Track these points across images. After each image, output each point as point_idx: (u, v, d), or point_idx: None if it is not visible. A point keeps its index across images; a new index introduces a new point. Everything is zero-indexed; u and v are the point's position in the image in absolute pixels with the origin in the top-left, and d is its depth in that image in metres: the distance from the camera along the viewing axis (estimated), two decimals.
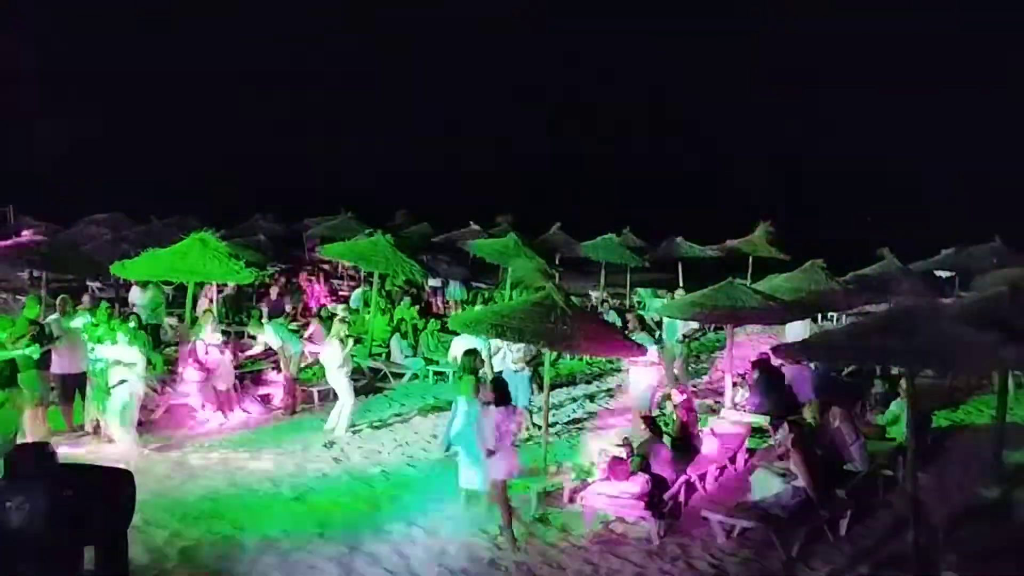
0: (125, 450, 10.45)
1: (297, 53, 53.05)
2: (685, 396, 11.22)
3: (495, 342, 11.78)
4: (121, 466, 5.73)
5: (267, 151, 47.23)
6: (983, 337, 7.90)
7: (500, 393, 8.55)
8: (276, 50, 52.54)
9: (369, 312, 16.92)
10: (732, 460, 10.72)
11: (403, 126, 50.10)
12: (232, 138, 46.25)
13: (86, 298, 14.41)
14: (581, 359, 16.61)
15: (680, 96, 51.10)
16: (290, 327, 16.54)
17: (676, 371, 14.42)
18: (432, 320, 17.47)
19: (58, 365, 11.04)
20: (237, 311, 18.34)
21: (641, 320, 12.74)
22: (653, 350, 12.09)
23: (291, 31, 52.78)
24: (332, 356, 11.97)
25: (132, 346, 10.67)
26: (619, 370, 16.17)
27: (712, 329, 19.97)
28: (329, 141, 49.27)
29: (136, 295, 16.16)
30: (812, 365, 12.52)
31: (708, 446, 10.48)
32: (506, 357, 12.17)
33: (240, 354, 14.24)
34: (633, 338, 11.32)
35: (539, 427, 11.27)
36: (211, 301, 16.19)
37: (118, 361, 10.59)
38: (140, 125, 45.64)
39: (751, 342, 18.93)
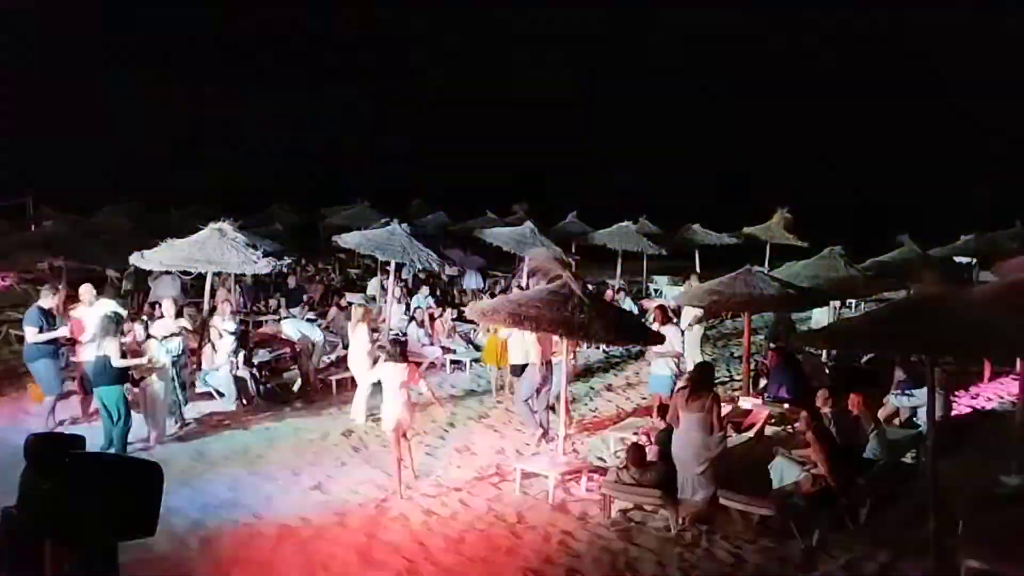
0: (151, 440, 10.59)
1: (309, 40, 53.03)
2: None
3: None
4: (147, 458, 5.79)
5: (286, 140, 47.32)
6: (1005, 323, 7.82)
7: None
8: (287, 38, 52.56)
9: (385, 301, 16.95)
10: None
11: (416, 115, 50.01)
12: (246, 127, 46.35)
13: (107, 288, 14.52)
14: (598, 347, 16.59)
15: (691, 83, 50.71)
16: (308, 316, 16.64)
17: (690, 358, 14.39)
18: (449, 309, 17.50)
19: (88, 354, 11.06)
20: (255, 300, 18.45)
21: (664, 311, 12.70)
22: (676, 341, 12.04)
23: (300, 17, 52.75)
24: (357, 342, 12.06)
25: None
26: (636, 358, 16.18)
27: (730, 317, 19.90)
28: (343, 129, 49.31)
29: (164, 286, 16.22)
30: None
31: None
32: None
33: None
34: (660, 331, 11.25)
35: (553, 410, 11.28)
36: (229, 291, 16.27)
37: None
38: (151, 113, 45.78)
39: None
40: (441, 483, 9.76)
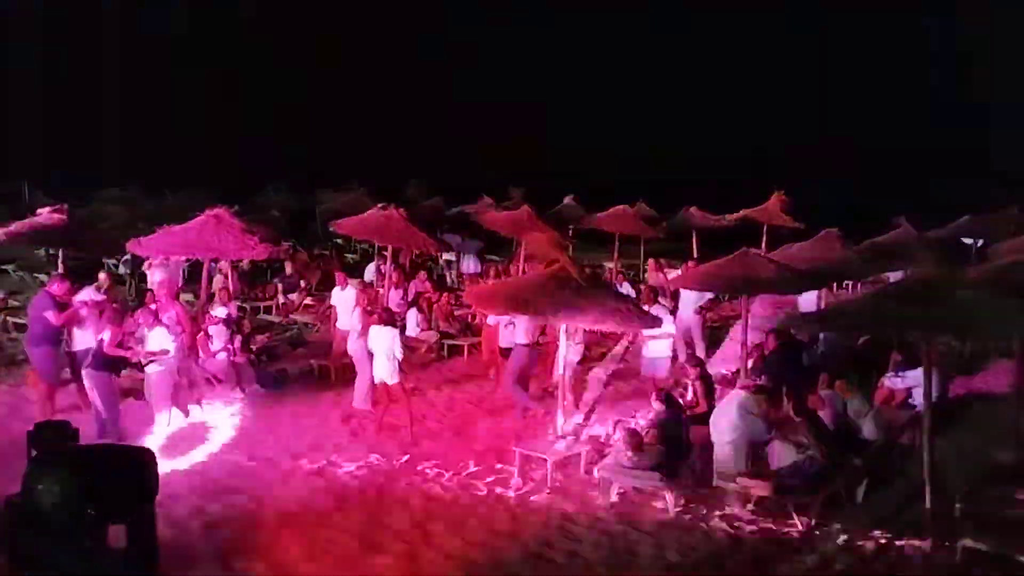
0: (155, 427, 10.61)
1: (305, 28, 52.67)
2: (697, 369, 11.19)
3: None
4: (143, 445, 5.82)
5: (279, 124, 47.07)
6: (1001, 304, 7.85)
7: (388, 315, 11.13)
8: (283, 24, 52.20)
9: (383, 286, 16.95)
10: None
11: (417, 98, 49.86)
12: (244, 111, 46.20)
13: (102, 275, 14.47)
14: (596, 331, 16.56)
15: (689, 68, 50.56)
16: (305, 303, 16.67)
17: (695, 342, 14.42)
18: (446, 294, 17.50)
19: (80, 341, 11.05)
20: (252, 287, 18.44)
21: (655, 292, 12.71)
22: (669, 322, 12.06)
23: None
24: (354, 326, 12.10)
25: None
26: (633, 341, 16.17)
27: (727, 299, 19.89)
28: (341, 115, 49.15)
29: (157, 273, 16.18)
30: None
31: None
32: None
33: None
34: (650, 311, 11.28)
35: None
36: (226, 277, 16.26)
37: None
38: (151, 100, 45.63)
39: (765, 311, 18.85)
40: (441, 468, 9.79)
